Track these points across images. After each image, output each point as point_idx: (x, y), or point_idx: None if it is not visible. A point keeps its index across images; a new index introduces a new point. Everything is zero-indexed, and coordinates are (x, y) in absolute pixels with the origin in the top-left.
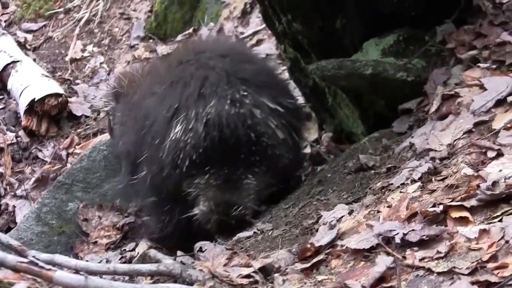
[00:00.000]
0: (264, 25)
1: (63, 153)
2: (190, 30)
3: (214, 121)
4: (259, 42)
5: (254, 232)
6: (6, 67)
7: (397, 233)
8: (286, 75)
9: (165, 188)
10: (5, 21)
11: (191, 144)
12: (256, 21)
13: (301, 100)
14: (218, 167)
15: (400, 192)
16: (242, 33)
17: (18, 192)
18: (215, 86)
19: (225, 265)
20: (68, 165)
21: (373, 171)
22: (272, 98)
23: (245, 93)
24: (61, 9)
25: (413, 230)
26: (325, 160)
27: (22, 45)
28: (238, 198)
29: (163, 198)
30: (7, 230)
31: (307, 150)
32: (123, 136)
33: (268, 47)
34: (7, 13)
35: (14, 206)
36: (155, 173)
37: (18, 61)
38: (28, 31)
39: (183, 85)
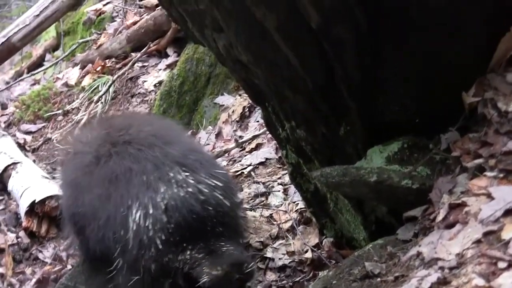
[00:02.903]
0: (263, 130)
1: (64, 254)
2: (189, 133)
3: (171, 205)
4: (258, 146)
5: None
6: (6, 168)
7: None
8: (286, 179)
9: (146, 268)
10: (4, 122)
11: (155, 229)
12: (255, 125)
13: (301, 203)
14: (193, 243)
15: None
16: (241, 136)
17: None
18: (157, 173)
19: None
20: (69, 266)
21: (379, 279)
22: (207, 173)
23: (186, 174)
24: (60, 111)
25: None
26: (326, 265)
27: (21, 146)
28: (239, 255)
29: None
30: None
31: (308, 255)
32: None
33: (268, 151)
34: (6, 114)
35: None
36: (131, 259)
37: (18, 162)
38: (27, 133)
39: (126, 181)
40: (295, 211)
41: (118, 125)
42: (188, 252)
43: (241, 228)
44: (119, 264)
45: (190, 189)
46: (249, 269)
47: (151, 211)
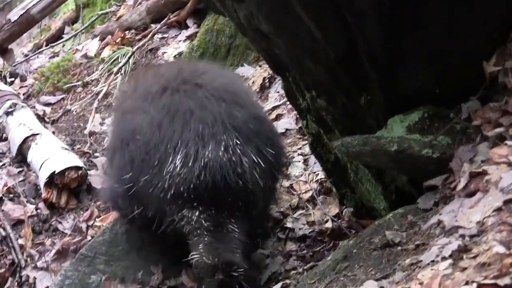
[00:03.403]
0: (283, 100)
1: (83, 225)
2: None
3: (210, 165)
4: (278, 117)
5: None
6: (26, 139)
7: None
8: (307, 149)
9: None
10: (23, 94)
11: (183, 178)
12: (275, 95)
13: (321, 173)
14: (206, 206)
15: (431, 269)
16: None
17: (39, 263)
18: (213, 129)
19: None
20: (88, 238)
21: (400, 248)
22: (257, 148)
23: (238, 142)
24: (79, 83)
25: None
26: (346, 235)
27: (41, 118)
28: (234, 256)
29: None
30: None
31: (328, 225)
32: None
33: (288, 121)
34: (25, 86)
35: (34, 278)
36: (145, 191)
37: (37, 134)
38: (47, 104)
39: (183, 121)
40: (315, 181)
41: (192, 67)
42: (197, 213)
43: (261, 211)
44: (133, 189)
45: (233, 158)
46: (236, 273)
47: (190, 163)
